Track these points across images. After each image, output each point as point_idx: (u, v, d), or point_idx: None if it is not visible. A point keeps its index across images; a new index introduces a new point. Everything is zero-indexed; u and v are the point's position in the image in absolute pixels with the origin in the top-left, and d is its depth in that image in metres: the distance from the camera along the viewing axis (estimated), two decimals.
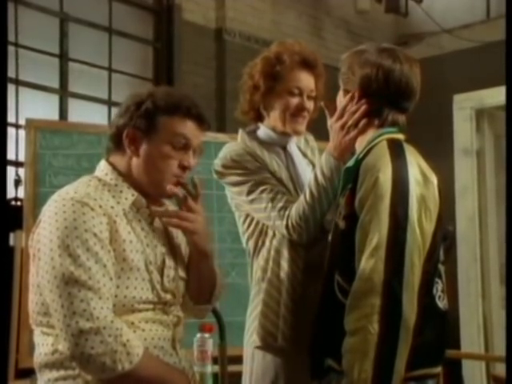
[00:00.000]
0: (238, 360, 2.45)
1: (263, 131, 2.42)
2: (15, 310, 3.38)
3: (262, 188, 2.28)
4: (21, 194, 3.79)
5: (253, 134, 2.43)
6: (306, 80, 2.37)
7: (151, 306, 1.81)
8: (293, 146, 2.44)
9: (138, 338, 1.74)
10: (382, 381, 1.79)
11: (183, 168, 1.87)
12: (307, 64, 2.36)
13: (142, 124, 1.83)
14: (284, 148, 2.42)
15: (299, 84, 2.36)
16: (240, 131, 2.44)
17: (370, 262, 1.83)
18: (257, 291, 2.33)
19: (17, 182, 3.91)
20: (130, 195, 1.85)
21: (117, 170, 1.87)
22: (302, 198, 2.23)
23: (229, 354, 2.86)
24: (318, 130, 2.49)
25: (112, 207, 1.80)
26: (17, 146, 4.03)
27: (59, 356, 1.74)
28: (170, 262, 1.90)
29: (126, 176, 1.87)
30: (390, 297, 1.80)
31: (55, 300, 1.68)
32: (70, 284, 1.67)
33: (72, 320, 1.65)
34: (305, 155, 2.48)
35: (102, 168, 1.90)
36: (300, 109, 2.36)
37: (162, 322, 1.83)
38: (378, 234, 1.84)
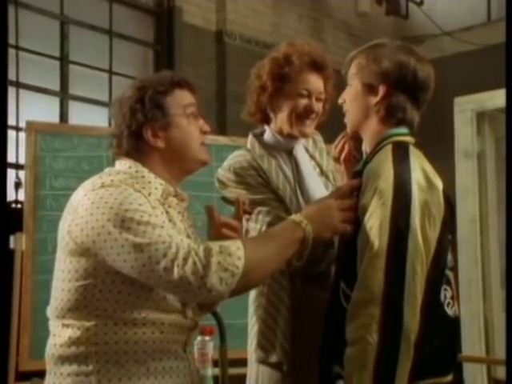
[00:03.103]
0: (239, 363, 2.45)
1: (269, 135, 2.38)
2: (15, 312, 3.38)
3: (259, 209, 2.26)
4: (21, 196, 3.79)
5: (260, 138, 2.40)
6: (315, 82, 2.33)
7: (179, 308, 1.80)
8: (299, 149, 2.40)
9: (153, 340, 1.74)
10: None
11: (204, 133, 1.93)
12: (316, 66, 2.32)
13: (157, 114, 1.85)
14: (290, 152, 2.38)
15: (308, 86, 2.31)
16: (250, 136, 2.41)
17: (369, 270, 1.80)
18: (256, 306, 2.32)
19: (17, 185, 3.91)
20: (158, 184, 1.84)
21: (140, 163, 1.87)
22: None
23: (229, 356, 2.85)
24: (327, 132, 2.48)
25: (140, 191, 1.78)
26: (17, 148, 4.03)
27: (75, 350, 1.73)
28: None
29: (149, 168, 1.87)
30: (390, 306, 1.76)
31: (134, 266, 1.66)
32: (138, 249, 1.66)
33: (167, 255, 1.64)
34: (313, 157, 2.43)
35: (124, 162, 1.88)
36: (308, 111, 2.31)
37: (182, 325, 1.82)
38: (378, 242, 1.80)
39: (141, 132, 1.85)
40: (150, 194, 1.80)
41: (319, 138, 2.49)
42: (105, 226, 1.68)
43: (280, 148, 2.37)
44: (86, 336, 1.73)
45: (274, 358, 2.24)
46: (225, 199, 2.19)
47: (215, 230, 1.98)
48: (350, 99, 2.06)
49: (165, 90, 1.88)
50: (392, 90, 1.99)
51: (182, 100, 1.90)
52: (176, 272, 1.62)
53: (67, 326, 1.76)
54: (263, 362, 2.26)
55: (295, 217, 1.85)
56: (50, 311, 1.83)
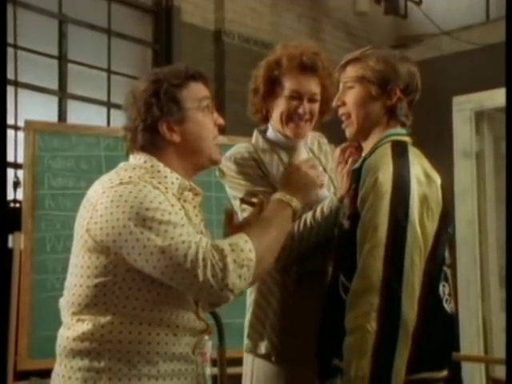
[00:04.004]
0: (237, 362, 2.45)
1: (271, 132, 2.42)
2: (13, 311, 3.37)
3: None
4: (19, 195, 3.79)
5: (264, 134, 2.43)
6: (306, 84, 2.34)
7: (194, 308, 1.80)
8: (300, 147, 2.42)
9: (166, 342, 1.75)
10: (380, 379, 1.78)
11: (218, 126, 1.93)
12: (306, 67, 2.33)
13: (173, 108, 1.84)
14: (291, 150, 2.41)
15: (297, 88, 2.33)
16: (255, 132, 2.46)
17: (368, 260, 1.84)
18: (251, 301, 2.35)
19: (16, 184, 3.90)
20: (174, 179, 1.83)
21: (155, 157, 1.85)
22: (294, 225, 2.21)
23: (228, 356, 2.85)
24: (329, 133, 2.49)
25: (158, 188, 1.77)
26: (16, 147, 4.02)
27: (88, 345, 1.72)
28: None
29: (164, 162, 1.85)
30: (389, 295, 1.80)
31: (156, 267, 1.66)
32: (160, 250, 1.66)
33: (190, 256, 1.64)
34: (318, 159, 2.44)
35: (139, 157, 1.85)
36: (297, 113, 2.34)
37: (195, 328, 1.82)
38: (377, 233, 1.84)
39: (156, 126, 1.83)
40: (166, 189, 1.79)
41: (324, 140, 2.53)
42: (126, 225, 1.68)
43: (281, 146, 2.40)
44: (100, 333, 1.72)
45: (261, 350, 2.28)
46: (243, 200, 2.20)
47: (233, 232, 1.96)
48: (358, 102, 2.07)
49: (180, 83, 1.86)
50: (402, 94, 2.04)
51: (197, 93, 1.88)
52: (198, 274, 1.63)
53: (82, 320, 1.75)
54: (251, 352, 2.31)
55: (279, 195, 1.90)
56: (65, 305, 1.81)
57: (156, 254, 1.65)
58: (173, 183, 1.82)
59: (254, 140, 2.43)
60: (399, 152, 1.95)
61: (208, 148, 1.89)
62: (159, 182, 1.79)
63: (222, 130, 1.98)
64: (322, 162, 2.45)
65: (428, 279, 1.88)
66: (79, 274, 1.77)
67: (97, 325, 1.72)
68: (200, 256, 1.63)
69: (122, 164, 1.88)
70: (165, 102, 1.83)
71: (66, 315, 1.81)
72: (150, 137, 1.84)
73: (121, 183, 1.73)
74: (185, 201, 1.84)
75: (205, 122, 1.88)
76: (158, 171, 1.82)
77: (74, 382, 1.73)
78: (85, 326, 1.74)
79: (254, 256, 1.69)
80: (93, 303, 1.74)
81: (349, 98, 2.08)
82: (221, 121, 1.93)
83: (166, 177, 1.82)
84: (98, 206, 1.73)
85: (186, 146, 1.86)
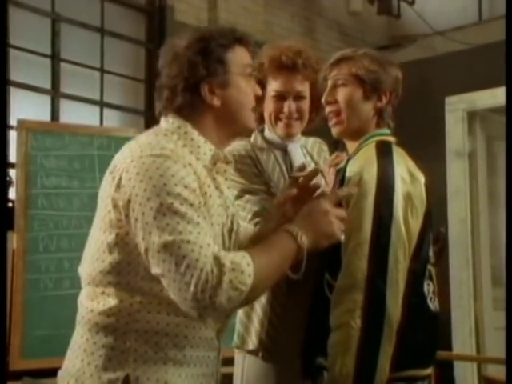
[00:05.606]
0: (230, 362, 2.45)
1: (267, 132, 2.45)
2: (6, 311, 3.37)
3: (247, 197, 2.29)
4: (12, 195, 3.78)
5: (262, 134, 2.46)
6: (289, 83, 2.35)
7: None
8: (294, 148, 2.44)
9: (193, 326, 1.68)
10: (365, 376, 1.79)
11: (256, 97, 1.85)
12: (287, 67, 2.34)
13: (218, 69, 1.74)
14: (286, 150, 2.42)
15: (279, 88, 2.36)
16: (255, 132, 2.47)
17: (353, 258, 1.85)
18: None
19: (8, 183, 3.89)
20: (207, 150, 1.74)
21: (189, 123, 1.76)
22: None
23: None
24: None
25: (190, 164, 1.67)
26: (8, 147, 4.01)
27: (115, 322, 1.65)
28: (236, 226, 1.81)
29: (198, 129, 1.76)
30: (373, 293, 1.81)
31: (154, 257, 1.58)
32: (163, 244, 1.57)
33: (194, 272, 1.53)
34: (317, 165, 2.47)
35: (172, 121, 1.76)
36: (284, 112, 2.36)
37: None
38: (361, 231, 1.85)
39: (198, 87, 1.73)
40: (198, 160, 1.71)
41: (325, 148, 2.55)
42: (142, 203, 1.59)
43: (276, 146, 2.43)
44: (128, 311, 1.64)
45: (249, 346, 2.29)
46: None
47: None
48: (350, 101, 2.06)
49: (227, 44, 1.77)
50: (395, 96, 2.08)
51: (242, 58, 1.80)
52: (190, 282, 1.54)
53: (108, 294, 1.67)
54: (239, 348, 2.32)
55: (290, 227, 1.72)
56: (87, 277, 1.72)
57: (158, 245, 1.56)
58: (205, 154, 1.74)
59: (252, 138, 2.45)
60: (384, 151, 1.96)
61: (245, 117, 1.81)
62: (191, 152, 1.71)
63: None
64: (320, 167, 2.47)
65: (412, 277, 1.89)
66: (99, 248, 1.69)
67: (125, 302, 1.65)
68: (199, 264, 1.54)
69: (153, 128, 1.79)
70: (211, 61, 1.74)
71: (86, 286, 1.73)
72: (190, 98, 1.74)
73: (151, 155, 1.63)
74: (217, 172, 1.77)
75: (247, 89, 1.80)
76: (192, 139, 1.74)
77: (98, 359, 1.65)
78: (111, 300, 1.66)
79: (250, 282, 1.58)
80: (116, 281, 1.66)
81: (341, 96, 2.06)
82: (259, 91, 1.85)
83: (199, 146, 1.74)
84: (124, 174, 1.64)
85: (224, 111, 1.77)
